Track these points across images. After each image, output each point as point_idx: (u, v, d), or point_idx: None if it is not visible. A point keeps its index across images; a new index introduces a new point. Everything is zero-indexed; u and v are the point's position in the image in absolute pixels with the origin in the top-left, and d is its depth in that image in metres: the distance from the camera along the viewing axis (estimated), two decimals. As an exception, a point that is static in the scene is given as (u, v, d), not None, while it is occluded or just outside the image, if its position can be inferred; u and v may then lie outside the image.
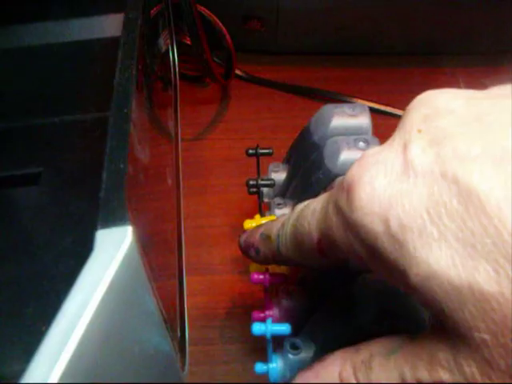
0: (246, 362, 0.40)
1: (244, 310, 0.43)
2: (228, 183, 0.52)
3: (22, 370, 0.17)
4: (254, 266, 0.37)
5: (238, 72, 0.63)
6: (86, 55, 0.32)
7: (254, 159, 0.43)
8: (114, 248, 0.17)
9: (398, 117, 0.55)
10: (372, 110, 0.54)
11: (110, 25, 0.33)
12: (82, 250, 0.19)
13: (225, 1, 0.62)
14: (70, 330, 0.16)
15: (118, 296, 0.18)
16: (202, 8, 0.56)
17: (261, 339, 0.33)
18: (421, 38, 0.67)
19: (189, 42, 0.56)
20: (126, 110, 0.21)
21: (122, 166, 0.19)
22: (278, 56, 0.67)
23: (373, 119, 0.39)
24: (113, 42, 0.32)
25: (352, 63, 0.67)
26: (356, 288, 0.31)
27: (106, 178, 0.19)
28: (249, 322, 0.40)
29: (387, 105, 0.61)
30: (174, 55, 0.48)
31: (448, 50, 0.69)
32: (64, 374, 0.16)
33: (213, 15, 0.57)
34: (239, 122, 0.60)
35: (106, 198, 0.18)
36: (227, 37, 0.58)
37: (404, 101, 0.55)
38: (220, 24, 0.58)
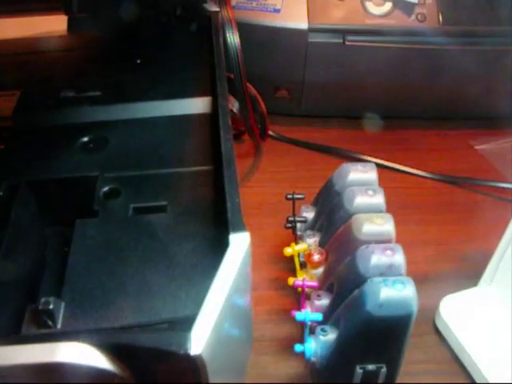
0: (281, 353, 0.51)
1: (278, 317, 0.54)
2: (263, 222, 0.63)
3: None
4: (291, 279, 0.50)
5: (269, 132, 0.74)
6: (181, 126, 0.46)
7: (285, 203, 0.55)
8: (241, 243, 0.31)
9: (396, 170, 0.69)
10: (377, 164, 0.66)
11: (198, 104, 0.47)
12: (204, 254, 0.33)
13: (259, 74, 0.71)
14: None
15: (242, 276, 0.32)
16: (243, 80, 0.66)
17: (291, 338, 0.45)
18: (420, 105, 0.78)
19: (230, 106, 0.69)
20: (233, 168, 0.35)
21: (237, 200, 0.33)
22: (302, 118, 0.80)
23: (378, 172, 0.52)
24: (200, 116, 0.46)
25: (362, 126, 0.79)
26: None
27: (229, 206, 0.32)
28: (283, 325, 0.53)
29: (389, 160, 0.72)
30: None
31: (443, 115, 0.81)
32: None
33: (250, 85, 0.67)
34: (271, 173, 0.71)
35: (232, 217, 0.32)
36: (262, 104, 0.69)
37: (402, 157, 0.70)
38: (255, 92, 0.68)
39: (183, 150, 0.43)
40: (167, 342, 0.28)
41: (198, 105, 0.47)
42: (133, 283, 0.34)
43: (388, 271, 0.42)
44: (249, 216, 0.64)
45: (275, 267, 0.59)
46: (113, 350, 0.28)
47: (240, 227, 0.32)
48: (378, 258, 0.42)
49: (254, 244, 0.60)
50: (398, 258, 0.42)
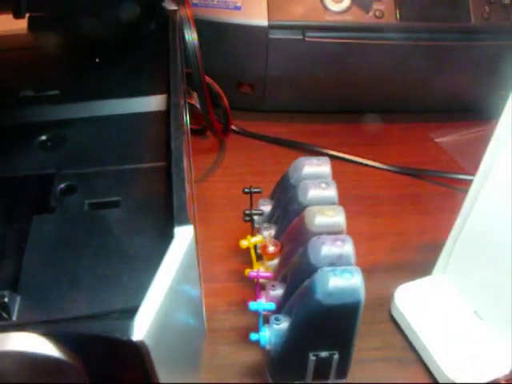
0: (240, 343, 0.53)
1: (238, 308, 0.56)
2: (226, 215, 0.65)
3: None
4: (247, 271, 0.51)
5: (232, 127, 0.75)
6: (138, 123, 0.47)
7: (246, 197, 0.56)
8: (185, 236, 0.33)
9: (359, 163, 0.71)
10: (333, 156, 0.68)
11: (155, 102, 0.48)
12: (155, 247, 0.34)
13: (222, 69, 0.73)
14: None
15: (186, 266, 0.33)
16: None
17: (250, 328, 0.46)
18: (381, 99, 0.80)
19: (192, 102, 0.68)
20: (181, 166, 0.36)
21: (183, 195, 0.34)
22: (265, 114, 0.81)
23: (333, 164, 0.53)
24: (157, 114, 0.48)
25: (324, 120, 0.81)
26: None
27: (175, 200, 0.34)
28: (242, 316, 0.55)
29: (351, 154, 0.74)
30: (186, 114, 0.57)
31: (405, 108, 0.82)
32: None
33: (212, 80, 0.69)
34: (234, 167, 0.73)
35: (177, 211, 0.33)
36: (224, 99, 0.70)
37: (364, 151, 0.72)
38: (218, 88, 0.70)
39: (138, 147, 0.44)
40: (112, 329, 0.29)
41: (154, 102, 0.48)
42: (87, 276, 0.35)
43: (338, 261, 0.43)
44: (211, 210, 0.66)
45: (235, 260, 0.60)
46: (61, 339, 0.29)
47: (184, 221, 0.33)
48: (328, 248, 0.43)
49: (215, 237, 0.63)
50: (348, 248, 0.43)
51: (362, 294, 0.41)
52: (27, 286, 0.34)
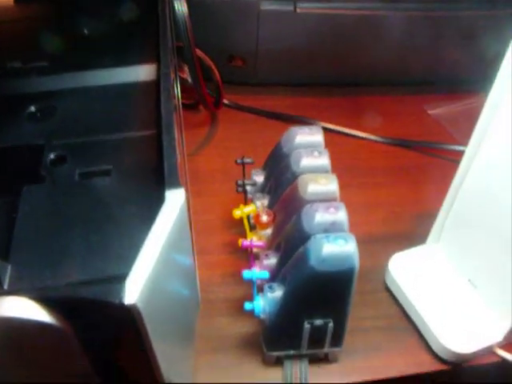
0: (235, 314, 0.53)
1: (233, 280, 0.56)
2: (219, 188, 0.65)
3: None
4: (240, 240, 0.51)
5: (224, 101, 0.75)
6: (128, 93, 0.46)
7: (238, 170, 0.56)
8: (177, 199, 0.32)
9: (351, 135, 0.70)
10: (327, 129, 0.68)
11: (144, 71, 0.47)
12: (147, 215, 0.34)
13: (213, 42, 0.73)
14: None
15: (178, 230, 0.33)
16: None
17: (244, 299, 0.46)
18: (375, 71, 0.80)
19: (184, 76, 0.68)
20: (172, 131, 0.36)
21: (173, 160, 0.34)
22: (257, 87, 0.80)
23: (326, 136, 0.53)
24: (146, 83, 0.47)
25: (317, 93, 0.80)
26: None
27: (166, 165, 0.33)
28: (236, 287, 0.54)
29: (344, 126, 0.74)
30: (177, 87, 0.57)
31: (398, 80, 0.81)
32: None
33: (204, 54, 0.69)
34: (226, 141, 0.72)
35: (168, 175, 0.33)
36: (216, 72, 0.70)
37: (357, 123, 0.71)
38: (210, 61, 0.70)
39: (128, 116, 0.44)
40: (103, 293, 0.29)
41: (144, 72, 0.47)
42: (78, 245, 0.34)
43: (331, 228, 0.43)
44: (203, 183, 0.66)
45: (229, 232, 0.60)
46: (52, 304, 0.29)
47: (175, 184, 0.33)
48: (321, 215, 0.43)
49: (208, 210, 0.63)
50: (341, 215, 0.43)
51: (356, 261, 0.41)
52: (18, 255, 0.34)
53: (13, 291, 0.30)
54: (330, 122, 0.74)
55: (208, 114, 0.77)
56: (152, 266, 0.30)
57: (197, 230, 0.56)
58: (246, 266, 0.52)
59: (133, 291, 0.28)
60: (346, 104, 0.80)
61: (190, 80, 0.67)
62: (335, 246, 0.41)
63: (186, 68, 0.68)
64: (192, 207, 0.55)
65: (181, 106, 0.62)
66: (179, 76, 0.66)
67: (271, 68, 0.79)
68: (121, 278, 0.29)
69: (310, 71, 0.80)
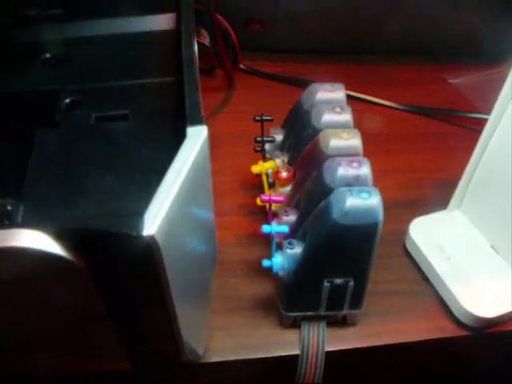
0: (250, 275, 0.52)
1: (248, 241, 0.54)
2: (235, 151, 0.63)
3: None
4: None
5: (241, 66, 0.74)
6: (145, 41, 0.45)
7: (254, 133, 0.55)
8: (199, 136, 0.31)
9: (370, 102, 0.69)
10: (350, 97, 0.66)
11: (162, 21, 0.46)
12: (164, 159, 0.33)
13: (231, 6, 0.71)
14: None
15: (199, 169, 0.31)
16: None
17: (260, 261, 0.44)
18: (395, 39, 0.78)
19: (201, 40, 0.68)
20: (193, 71, 0.34)
21: (195, 97, 0.32)
22: (275, 53, 0.79)
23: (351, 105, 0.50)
24: (165, 32, 0.46)
25: (336, 60, 0.79)
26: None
27: (188, 103, 0.32)
28: (252, 248, 0.53)
29: (362, 93, 0.72)
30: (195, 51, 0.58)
31: (419, 49, 0.80)
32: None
33: (221, 18, 0.67)
34: (243, 105, 0.71)
35: (190, 112, 0.32)
36: (233, 36, 0.69)
37: (375, 90, 0.70)
38: (227, 25, 0.68)
39: (146, 63, 0.43)
40: (120, 225, 0.27)
41: (162, 21, 0.46)
42: (93, 185, 0.33)
43: (355, 182, 0.41)
44: (219, 146, 0.65)
45: (245, 194, 0.59)
46: (66, 237, 0.27)
47: (197, 121, 0.31)
48: (344, 169, 0.42)
49: (224, 172, 0.61)
50: (365, 169, 0.42)
51: (381, 215, 0.40)
52: (31, 194, 0.33)
53: (25, 224, 0.29)
54: (349, 89, 0.72)
55: (224, 79, 0.75)
56: (171, 201, 0.28)
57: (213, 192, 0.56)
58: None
59: (151, 223, 0.27)
60: (365, 72, 0.78)
61: (207, 43, 0.66)
62: (359, 199, 0.39)
63: (203, 32, 0.66)
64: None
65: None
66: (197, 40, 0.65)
67: (290, 32, 0.77)
68: (138, 214, 0.28)
69: (330, 37, 0.78)
